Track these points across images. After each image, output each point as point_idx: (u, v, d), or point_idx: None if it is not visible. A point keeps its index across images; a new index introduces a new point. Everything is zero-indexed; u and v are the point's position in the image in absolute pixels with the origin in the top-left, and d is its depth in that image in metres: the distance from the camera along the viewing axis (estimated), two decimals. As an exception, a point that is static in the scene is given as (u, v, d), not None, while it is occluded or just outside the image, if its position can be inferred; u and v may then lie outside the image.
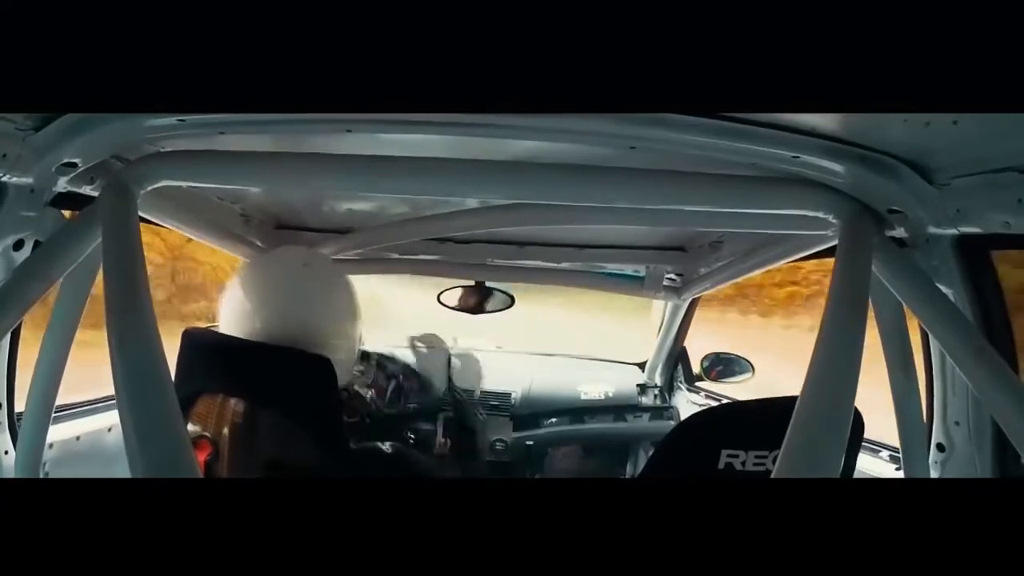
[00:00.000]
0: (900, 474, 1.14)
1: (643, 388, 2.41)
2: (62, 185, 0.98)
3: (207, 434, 0.96)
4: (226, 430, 0.95)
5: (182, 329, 1.02)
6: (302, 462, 0.93)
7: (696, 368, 2.36)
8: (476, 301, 2.21)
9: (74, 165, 0.96)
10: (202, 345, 1.01)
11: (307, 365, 0.94)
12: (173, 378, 0.77)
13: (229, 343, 0.99)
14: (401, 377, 2.21)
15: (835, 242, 0.94)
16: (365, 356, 2.08)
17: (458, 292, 2.23)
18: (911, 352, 1.08)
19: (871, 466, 1.38)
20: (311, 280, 1.03)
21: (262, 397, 0.95)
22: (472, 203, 1.46)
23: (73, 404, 1.49)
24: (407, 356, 2.37)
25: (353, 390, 1.56)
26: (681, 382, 2.42)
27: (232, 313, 1.02)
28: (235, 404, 0.96)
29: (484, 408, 2.25)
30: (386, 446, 1.05)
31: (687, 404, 2.34)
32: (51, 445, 1.18)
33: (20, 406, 1.12)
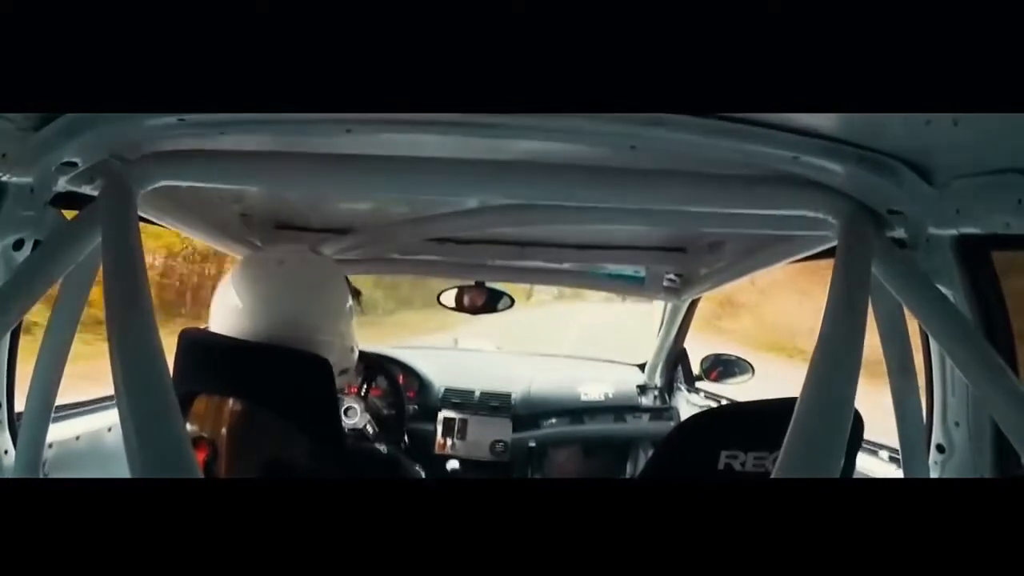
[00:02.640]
0: (900, 475, 1.13)
1: (643, 389, 2.41)
2: (62, 185, 0.98)
3: (205, 434, 0.96)
4: (224, 430, 0.95)
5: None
6: (300, 461, 0.93)
7: (696, 369, 2.37)
8: (476, 301, 2.21)
9: (74, 165, 0.95)
10: (198, 345, 1.01)
11: (304, 365, 0.94)
12: None
13: (225, 343, 0.99)
14: (400, 378, 2.21)
15: (835, 243, 0.94)
16: (362, 357, 2.08)
17: (458, 292, 2.23)
18: (911, 353, 1.07)
19: (872, 467, 1.38)
20: (286, 279, 1.03)
21: (259, 397, 0.95)
22: (472, 203, 1.46)
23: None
24: (406, 357, 2.38)
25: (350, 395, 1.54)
26: (681, 383, 2.42)
27: (217, 313, 1.03)
28: (232, 404, 0.96)
29: (484, 409, 2.25)
30: (382, 448, 1.05)
31: (687, 405, 2.34)
32: (51, 445, 1.18)
33: (20, 406, 1.12)
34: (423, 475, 1.23)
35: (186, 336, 1.01)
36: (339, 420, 0.99)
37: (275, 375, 0.95)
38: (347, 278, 1.15)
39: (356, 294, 1.16)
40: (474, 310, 2.22)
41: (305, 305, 1.03)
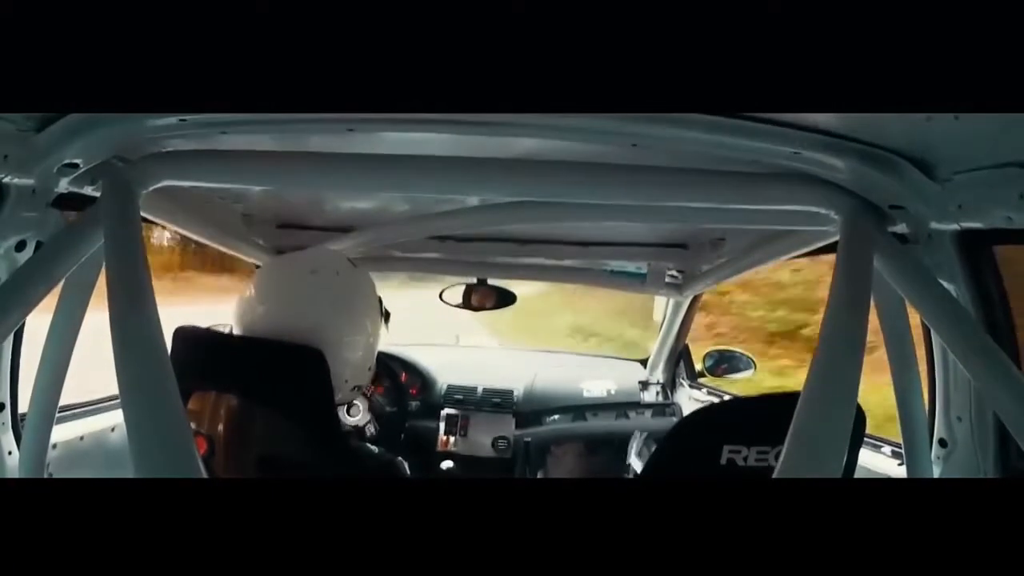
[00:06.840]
0: (903, 470, 1.13)
1: (645, 385, 2.41)
2: (64, 186, 0.98)
3: (202, 431, 0.96)
4: (220, 426, 0.96)
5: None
6: (297, 455, 0.94)
7: (698, 365, 2.37)
8: (478, 299, 2.22)
9: (75, 166, 0.96)
10: (194, 342, 1.01)
11: (298, 358, 0.95)
12: None
13: (220, 339, 0.99)
14: (403, 375, 2.21)
15: (836, 238, 0.94)
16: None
17: (460, 290, 2.23)
18: (913, 348, 1.07)
19: (874, 462, 1.38)
20: (318, 291, 1.03)
21: (255, 392, 0.95)
22: (473, 201, 1.46)
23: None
24: (408, 354, 2.38)
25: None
26: (683, 379, 2.42)
27: (240, 312, 1.03)
28: (229, 400, 0.96)
29: (487, 406, 2.25)
30: (377, 450, 1.06)
31: (689, 401, 2.34)
32: (55, 445, 1.19)
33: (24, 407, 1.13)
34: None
35: (180, 333, 1.01)
36: (334, 412, 0.99)
37: (270, 369, 0.96)
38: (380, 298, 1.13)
39: (386, 316, 1.15)
40: (476, 307, 2.23)
41: (332, 320, 1.02)
